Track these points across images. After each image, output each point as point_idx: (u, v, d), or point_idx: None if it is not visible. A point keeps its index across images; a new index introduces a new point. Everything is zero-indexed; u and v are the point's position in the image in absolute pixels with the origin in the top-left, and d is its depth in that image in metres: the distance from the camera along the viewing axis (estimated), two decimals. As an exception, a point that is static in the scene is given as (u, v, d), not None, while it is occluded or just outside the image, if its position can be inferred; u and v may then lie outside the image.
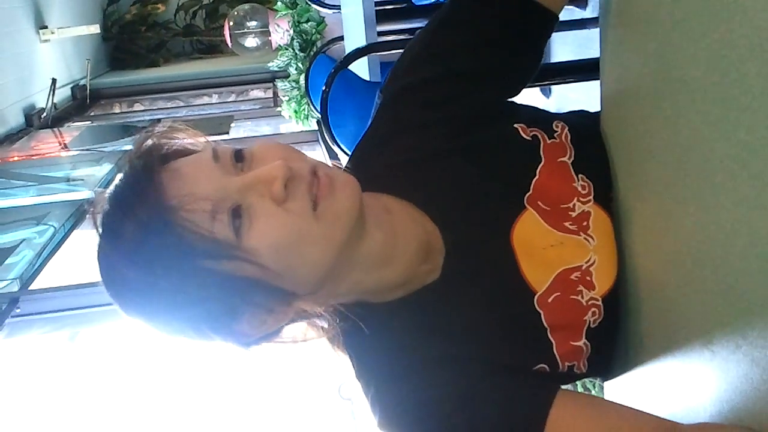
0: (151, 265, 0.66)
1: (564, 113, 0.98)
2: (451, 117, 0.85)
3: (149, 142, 0.74)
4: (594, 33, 0.87)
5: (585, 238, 0.84)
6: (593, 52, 0.89)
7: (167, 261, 0.65)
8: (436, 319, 0.80)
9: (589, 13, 2.40)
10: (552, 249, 0.83)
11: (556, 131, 0.87)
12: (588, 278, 0.82)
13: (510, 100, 0.92)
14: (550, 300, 0.81)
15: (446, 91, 0.85)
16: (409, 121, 0.86)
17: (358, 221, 0.72)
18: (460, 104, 0.85)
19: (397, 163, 0.86)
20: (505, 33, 0.84)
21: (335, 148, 2.15)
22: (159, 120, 4.75)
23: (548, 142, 0.86)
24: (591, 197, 0.85)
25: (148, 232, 0.65)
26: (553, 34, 0.90)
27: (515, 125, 0.86)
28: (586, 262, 0.83)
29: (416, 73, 0.86)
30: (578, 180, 0.85)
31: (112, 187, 0.71)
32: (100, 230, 0.70)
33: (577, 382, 1.16)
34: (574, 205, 0.84)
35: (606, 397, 0.95)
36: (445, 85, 0.85)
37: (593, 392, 1.54)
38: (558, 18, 0.86)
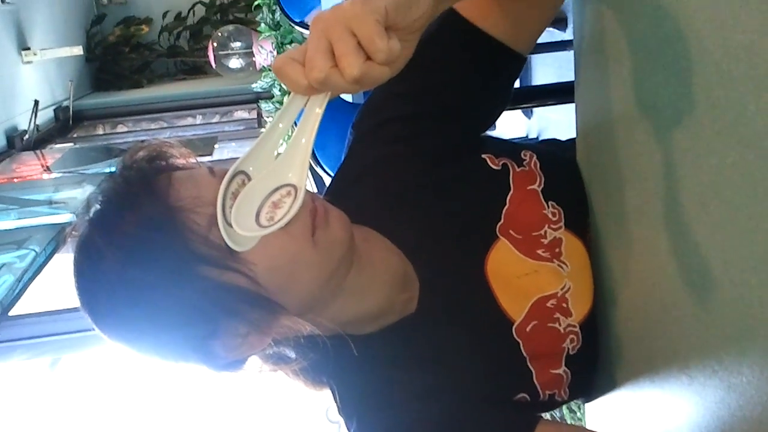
0: (146, 263, 0.65)
1: (532, 143, 1.00)
2: (421, 153, 0.85)
3: (145, 152, 0.73)
4: (573, 55, 0.88)
5: (558, 265, 0.84)
6: (573, 74, 0.90)
7: (163, 261, 0.65)
8: (415, 351, 0.80)
9: (568, 34, 2.42)
10: (526, 277, 0.83)
11: (525, 159, 0.88)
12: (564, 305, 0.82)
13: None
14: (528, 329, 0.81)
15: (417, 129, 0.86)
16: (381, 158, 0.87)
17: (349, 252, 0.73)
18: (430, 141, 0.86)
19: (370, 199, 0.86)
20: (474, 74, 0.85)
21: (318, 170, 2.15)
22: (143, 141, 4.71)
23: (517, 170, 0.87)
24: (562, 223, 0.85)
25: (151, 228, 0.65)
26: (533, 56, 0.91)
27: (483, 156, 0.87)
28: (562, 289, 0.83)
29: (387, 111, 0.87)
30: (548, 207, 0.86)
31: (103, 190, 0.70)
32: (89, 226, 0.69)
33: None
34: (545, 232, 0.85)
35: (587, 421, 0.95)
36: (416, 123, 0.86)
37: (578, 414, 1.54)
38: (525, 60, 0.87)
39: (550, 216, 0.85)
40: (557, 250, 0.84)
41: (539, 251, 0.84)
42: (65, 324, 2.37)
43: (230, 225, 0.59)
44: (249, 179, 0.59)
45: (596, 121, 0.83)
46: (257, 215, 0.58)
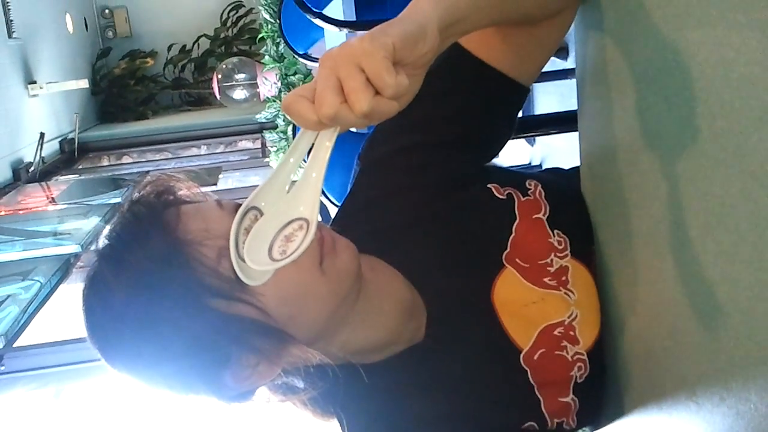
0: (155, 296, 0.65)
1: (536, 172, 1.00)
2: (428, 183, 0.87)
3: (153, 186, 0.74)
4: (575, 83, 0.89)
5: (565, 293, 0.84)
6: (575, 102, 0.91)
7: (173, 294, 0.65)
8: (423, 379, 0.80)
9: (570, 63, 2.45)
10: (534, 305, 0.83)
11: (530, 189, 0.89)
12: (571, 333, 0.83)
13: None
14: (535, 357, 0.81)
15: (423, 159, 0.87)
16: (388, 188, 0.88)
17: (357, 281, 0.74)
18: (436, 171, 0.87)
19: (377, 228, 0.87)
20: (480, 106, 0.86)
21: (323, 199, 2.17)
22: (147, 172, 4.76)
23: (522, 200, 0.88)
24: (568, 252, 0.86)
25: (159, 262, 0.65)
26: (535, 85, 0.92)
27: (489, 185, 0.88)
28: (569, 317, 0.83)
29: (394, 142, 0.88)
30: (554, 235, 0.86)
31: (112, 224, 0.71)
32: (99, 261, 0.69)
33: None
34: (551, 260, 0.85)
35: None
36: (422, 154, 0.87)
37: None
38: (529, 90, 0.88)
39: (556, 244, 0.86)
40: (564, 278, 0.85)
41: (546, 279, 0.84)
42: (70, 355, 2.38)
43: (243, 260, 0.60)
44: (261, 214, 0.60)
45: (600, 151, 0.84)
46: (270, 249, 0.59)
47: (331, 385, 0.74)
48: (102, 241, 0.71)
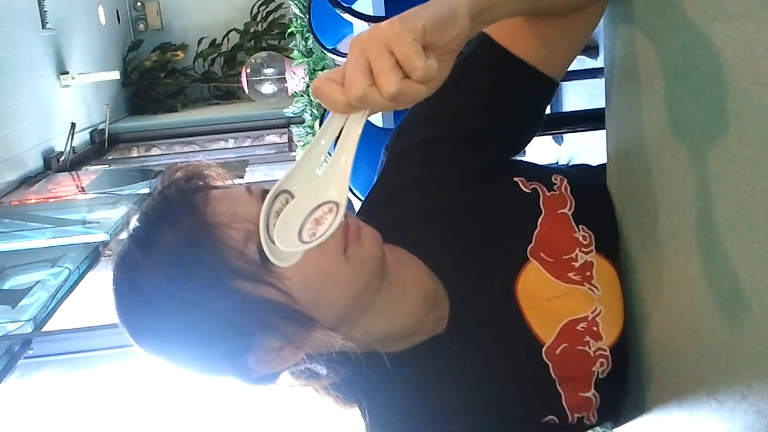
0: (182, 277, 0.67)
1: (563, 167, 1.00)
2: (453, 174, 0.87)
3: (184, 171, 0.76)
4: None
5: (590, 288, 0.84)
6: (604, 102, 0.91)
7: (199, 275, 0.67)
8: (445, 370, 0.81)
9: (600, 62, 2.43)
10: (557, 300, 0.83)
11: (555, 183, 0.89)
12: (595, 328, 0.83)
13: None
14: (558, 351, 0.81)
15: (449, 151, 0.87)
16: (414, 178, 0.88)
17: (380, 269, 0.75)
18: (462, 163, 0.87)
19: (402, 219, 0.87)
20: (507, 99, 0.86)
21: (348, 193, 2.18)
22: (179, 162, 4.80)
23: (548, 194, 0.88)
24: (592, 247, 0.86)
25: (187, 243, 0.67)
26: (565, 83, 0.92)
27: (515, 179, 0.88)
28: (592, 312, 0.83)
29: (420, 133, 0.88)
30: (579, 231, 0.86)
31: (144, 207, 0.72)
32: (129, 242, 0.71)
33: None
34: (576, 255, 0.85)
35: (615, 447, 0.94)
36: (448, 145, 0.87)
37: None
38: (558, 84, 0.88)
39: (581, 240, 0.86)
40: (588, 273, 0.85)
41: (570, 274, 0.84)
42: (97, 340, 2.42)
43: (273, 242, 0.60)
44: (292, 197, 0.61)
45: (627, 146, 0.84)
46: (300, 232, 0.60)
47: (354, 372, 0.75)
48: (133, 223, 0.72)
